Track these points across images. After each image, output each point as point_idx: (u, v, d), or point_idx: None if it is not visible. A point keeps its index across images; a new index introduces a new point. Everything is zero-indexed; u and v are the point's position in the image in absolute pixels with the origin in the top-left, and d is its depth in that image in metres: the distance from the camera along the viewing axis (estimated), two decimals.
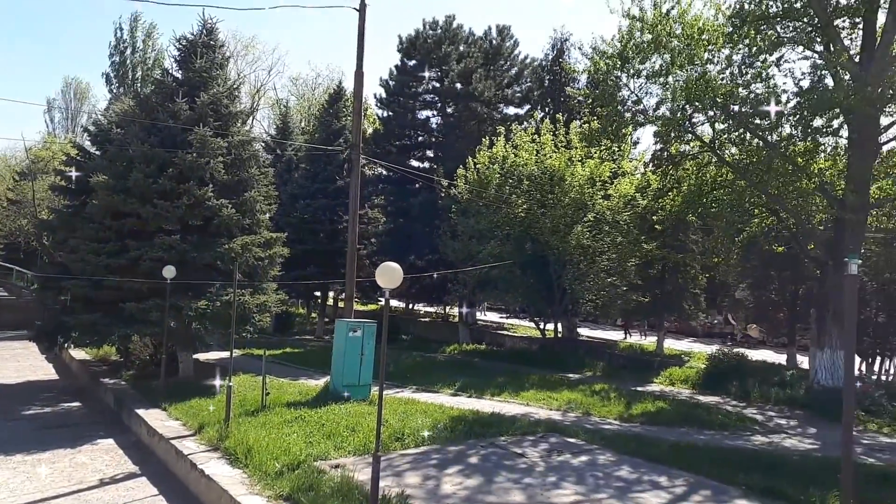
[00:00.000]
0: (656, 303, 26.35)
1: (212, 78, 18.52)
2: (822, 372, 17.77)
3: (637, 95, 19.35)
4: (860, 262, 7.03)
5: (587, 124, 21.83)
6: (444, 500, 8.57)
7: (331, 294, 37.80)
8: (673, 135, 19.58)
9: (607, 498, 9.01)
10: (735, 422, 14.95)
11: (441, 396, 16.82)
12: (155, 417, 13.09)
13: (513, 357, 25.31)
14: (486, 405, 15.44)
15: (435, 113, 35.96)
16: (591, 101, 20.31)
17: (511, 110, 35.93)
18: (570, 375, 21.05)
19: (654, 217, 23.14)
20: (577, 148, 23.71)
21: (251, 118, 50.53)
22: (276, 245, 18.56)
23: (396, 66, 35.39)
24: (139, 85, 55.88)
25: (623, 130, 19.63)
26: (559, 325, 26.80)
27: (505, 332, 32.96)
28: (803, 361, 22.51)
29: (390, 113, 35.90)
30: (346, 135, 33.73)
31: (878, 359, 19.66)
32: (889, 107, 16.51)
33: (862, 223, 17.64)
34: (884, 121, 17.36)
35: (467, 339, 30.88)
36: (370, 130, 38.94)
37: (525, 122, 28.15)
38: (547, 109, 34.70)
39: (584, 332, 34.36)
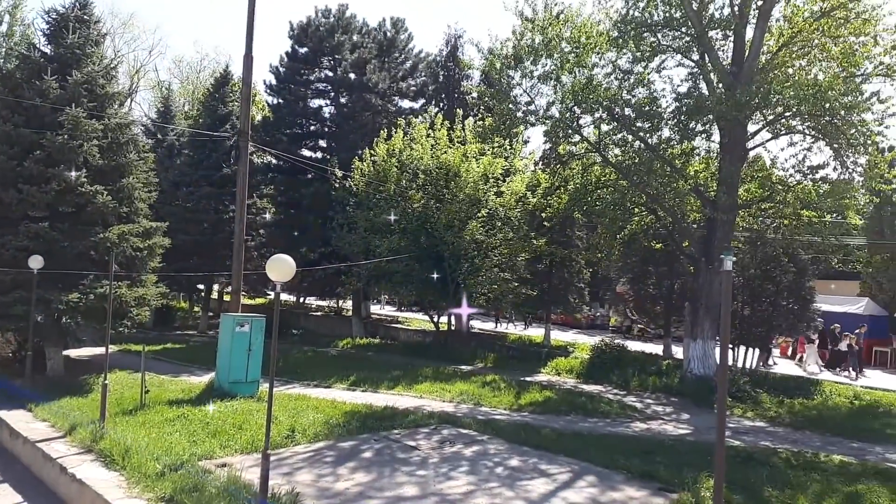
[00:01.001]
0: (544, 296, 27.21)
1: (86, 55, 17.21)
2: (695, 361, 19.00)
3: (529, 96, 19.85)
4: (735, 258, 7.53)
5: (481, 121, 22.16)
6: (337, 497, 8.43)
7: (216, 287, 36.36)
8: (561, 135, 20.23)
9: (498, 486, 9.19)
10: (616, 409, 15.70)
11: (334, 391, 16.58)
12: (18, 419, 12.04)
13: (407, 350, 25.35)
14: (380, 399, 15.36)
15: (328, 102, 35.23)
16: (485, 98, 20.63)
17: (406, 103, 35.81)
18: (463, 367, 21.35)
19: (543, 214, 23.86)
20: (471, 143, 24.01)
21: (130, 100, 47.49)
22: (156, 235, 17.56)
23: (287, 53, 34.33)
24: (2, 60, 51.13)
25: (515, 129, 20.08)
26: (452, 319, 27.09)
27: (399, 326, 32.91)
28: (678, 352, 23.96)
29: (281, 100, 34.79)
30: (234, 121, 32.39)
31: (743, 349, 21.24)
32: (756, 114, 17.81)
33: (731, 223, 19.00)
34: (751, 127, 18.76)
35: (361, 333, 30.59)
36: (259, 118, 37.61)
37: (420, 116, 28.15)
38: (441, 105, 34.92)
39: (475, 324, 34.94)
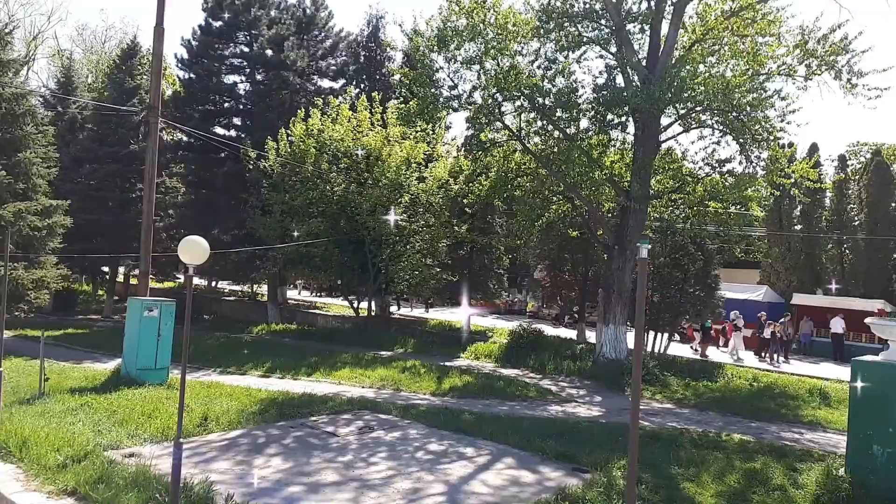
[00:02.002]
0: (464, 282, 27.43)
1: None
2: (607, 346, 19.64)
3: (453, 80, 19.80)
4: (650, 246, 7.77)
5: (404, 104, 21.98)
6: (254, 485, 8.20)
7: (121, 270, 34.72)
8: (484, 122, 20.32)
9: (418, 471, 9.19)
10: (533, 392, 16.04)
11: (248, 378, 16.16)
12: None
13: (325, 336, 24.98)
14: (298, 386, 15.09)
15: (243, 79, 34.05)
16: (408, 81, 20.44)
17: (326, 83, 35.08)
18: (383, 353, 21.25)
19: (465, 200, 23.99)
20: (394, 126, 23.79)
21: (27, 69, 44.26)
22: (56, 213, 16.56)
23: (201, 27, 32.88)
24: None
25: (438, 114, 19.99)
26: (373, 304, 26.92)
27: (317, 312, 32.42)
28: (591, 336, 24.74)
29: (193, 76, 33.33)
30: (142, 95, 30.88)
31: (653, 334, 22.15)
32: (669, 108, 18.46)
33: (644, 212, 19.68)
34: (664, 120, 19.43)
35: (277, 318, 29.93)
36: (170, 92, 35.90)
37: (341, 97, 27.61)
38: (363, 85, 34.38)
39: (395, 310, 34.87)
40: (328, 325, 28.62)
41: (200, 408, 11.64)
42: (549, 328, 28.24)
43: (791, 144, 23.10)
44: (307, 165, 23.32)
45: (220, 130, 33.17)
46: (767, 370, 21.88)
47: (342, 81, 34.79)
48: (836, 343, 25.99)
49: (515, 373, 19.12)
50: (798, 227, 30.53)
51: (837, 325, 25.90)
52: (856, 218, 29.48)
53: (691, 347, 25.70)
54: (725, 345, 26.41)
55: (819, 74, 17.88)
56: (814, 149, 31.38)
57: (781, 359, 24.49)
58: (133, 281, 32.70)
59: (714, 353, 24.80)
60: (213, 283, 41.68)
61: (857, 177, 30.68)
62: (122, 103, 28.99)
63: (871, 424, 8.69)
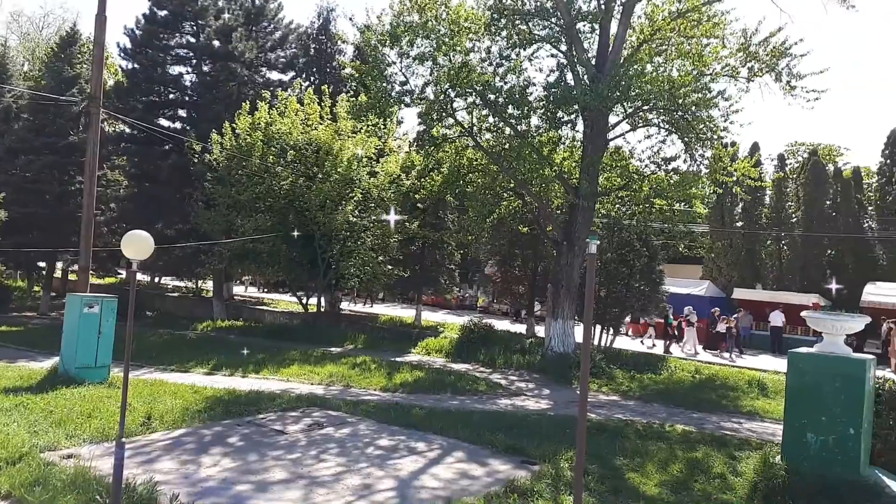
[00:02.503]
0: (416, 277, 27.42)
1: None
2: (556, 340, 19.92)
3: (405, 75, 19.74)
4: (598, 242, 7.92)
5: (354, 98, 21.79)
6: (200, 485, 8.02)
7: (59, 265, 33.50)
8: (436, 118, 20.32)
9: (368, 466, 9.15)
10: (483, 387, 16.15)
11: (193, 376, 15.79)
12: None
13: (273, 333, 24.59)
14: (245, 383, 14.81)
15: (189, 70, 33.18)
16: (359, 75, 20.27)
17: (275, 75, 34.54)
18: (333, 349, 21.07)
19: (417, 196, 23.95)
20: (344, 120, 23.54)
21: None
22: None
23: (145, 15, 31.89)
24: None
25: (390, 108, 19.89)
26: (322, 300, 26.64)
27: (265, 308, 31.90)
28: (540, 330, 25.04)
29: (136, 65, 32.31)
30: (82, 85, 29.81)
31: (600, 328, 22.57)
32: (617, 107, 18.81)
33: (592, 209, 20.01)
34: (612, 119, 19.81)
35: (223, 315, 29.32)
36: (112, 82, 34.74)
37: (290, 89, 27.17)
38: (313, 79, 33.96)
39: (346, 306, 34.61)
40: (276, 321, 28.19)
41: (143, 406, 11.34)
42: (506, 323, 28.57)
43: (734, 144, 23.81)
44: (254, 159, 22.86)
45: (164, 122, 32.30)
46: (722, 364, 22.28)
47: (291, 74, 34.30)
48: (776, 336, 26.90)
49: (466, 367, 19.22)
50: (739, 224, 31.55)
51: (777, 318, 26.81)
52: (793, 215, 30.64)
53: (642, 342, 26.18)
54: (680, 340, 26.73)
55: (760, 76, 18.48)
56: (755, 148, 32.45)
57: (735, 353, 24.93)
58: (72, 277, 31.61)
59: (672, 349, 25.08)
60: (157, 279, 40.56)
61: (794, 175, 31.88)
62: (60, 93, 27.93)
63: (805, 413, 9.04)
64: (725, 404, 15.66)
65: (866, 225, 29.98)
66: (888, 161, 29.09)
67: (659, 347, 25.20)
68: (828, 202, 29.50)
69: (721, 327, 25.48)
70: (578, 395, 15.48)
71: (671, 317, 24.77)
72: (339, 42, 33.21)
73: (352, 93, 23.98)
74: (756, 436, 12.42)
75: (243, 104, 24.66)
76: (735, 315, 25.99)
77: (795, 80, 17.99)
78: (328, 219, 22.44)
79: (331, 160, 22.79)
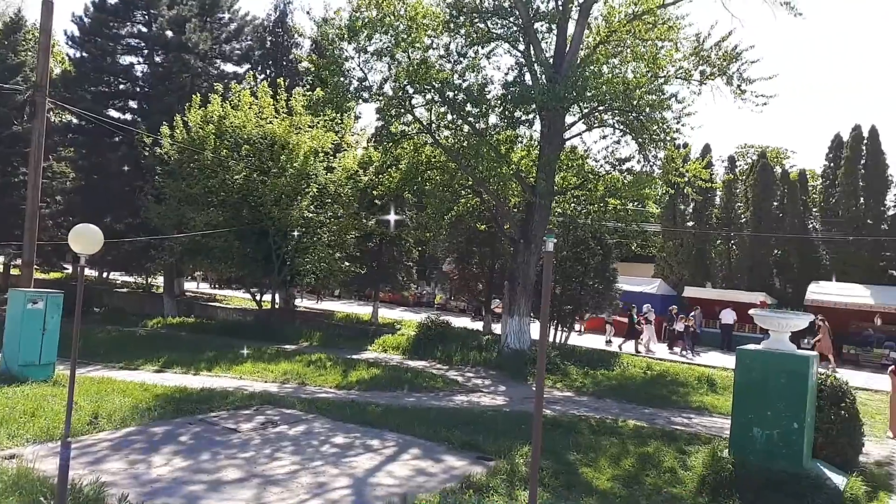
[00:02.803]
0: (373, 274, 27.27)
1: None
2: (512, 336, 20.08)
3: (363, 70, 19.60)
4: (556, 240, 8.02)
5: (310, 91, 21.52)
6: (150, 485, 7.83)
7: (1, 259, 32.28)
8: (394, 114, 20.25)
9: (323, 464, 9.08)
10: (440, 383, 16.18)
11: (143, 374, 15.44)
12: None
13: (226, 330, 24.18)
14: (196, 381, 14.53)
15: (141, 60, 32.31)
16: (316, 69, 20.04)
17: (230, 68, 33.85)
18: (288, 347, 20.82)
19: (375, 192, 23.81)
20: (300, 115, 23.23)
21: None
22: None
23: (94, 3, 30.90)
24: None
25: (347, 104, 19.74)
26: (277, 297, 26.29)
27: (217, 304, 31.31)
28: (497, 328, 25.18)
29: (85, 54, 31.30)
30: (27, 73, 28.79)
31: (555, 324, 22.85)
32: (573, 107, 19.03)
33: (549, 207, 20.21)
34: (569, 119, 20.04)
35: (174, 311, 28.68)
36: (58, 71, 33.58)
37: (245, 82, 26.67)
38: (269, 72, 33.43)
39: (303, 302, 34.23)
40: (229, 318, 27.71)
41: (90, 405, 11.01)
42: (465, 320, 28.64)
43: (686, 145, 24.32)
44: (206, 153, 22.35)
45: (114, 113, 31.39)
46: (673, 361, 22.61)
47: (247, 66, 33.66)
48: (726, 333, 27.58)
49: (423, 364, 19.22)
50: (690, 224, 32.28)
51: (728, 316, 27.51)
52: (742, 216, 31.48)
53: (606, 340, 26.33)
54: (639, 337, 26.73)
55: (712, 79, 18.92)
56: (706, 150, 33.23)
57: (690, 352, 24.94)
58: (15, 271, 30.47)
59: (629, 347, 25.20)
60: (105, 274, 39.41)
61: (744, 177, 32.77)
62: (4, 81, 26.93)
63: (752, 408, 9.31)
64: (676, 400, 16.01)
65: (811, 226, 31.02)
66: (832, 164, 30.14)
67: (616, 345, 25.45)
68: (775, 203, 30.40)
69: (679, 326, 25.77)
70: (534, 392, 15.65)
71: (636, 316, 25.08)
72: (296, 35, 32.78)
73: (309, 86, 23.69)
74: (705, 430, 12.74)
75: (194, 97, 24.08)
76: (692, 314, 26.47)
77: (746, 85, 18.49)
78: (283, 214, 22.10)
79: (286, 154, 22.43)
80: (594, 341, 26.15)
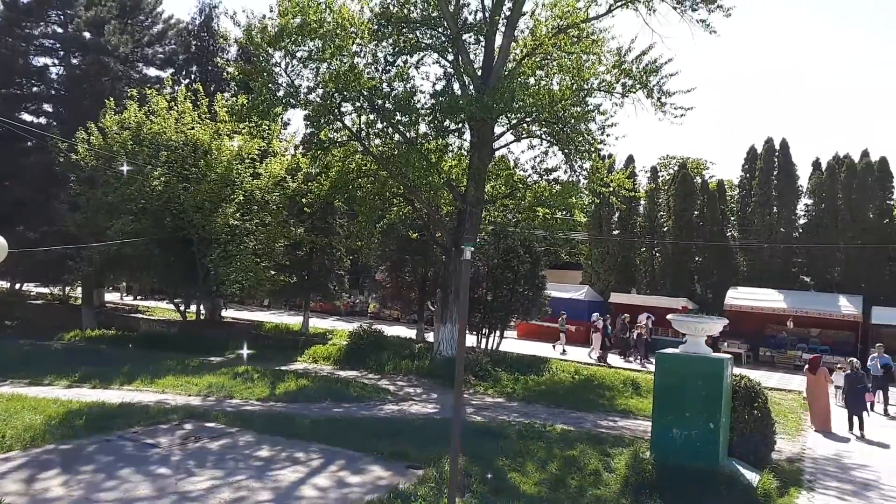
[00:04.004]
0: (303, 283, 26.82)
1: None
2: (444, 344, 20.12)
3: (290, 77, 19.32)
4: (473, 248, 8.11)
5: (234, 97, 21.07)
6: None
7: None
8: (323, 121, 20.04)
9: (245, 479, 8.84)
10: (371, 393, 16.03)
11: (57, 389, 14.71)
12: None
13: (149, 342, 23.28)
14: (115, 396, 13.93)
15: (56, 62, 30.95)
16: (239, 74, 19.65)
17: (153, 72, 32.83)
18: (213, 359, 20.23)
19: (304, 199, 23.46)
20: (224, 120, 22.66)
21: None
22: None
23: (4, 2, 29.43)
24: None
25: (274, 110, 19.41)
26: (202, 307, 25.50)
27: (140, 316, 30.13)
28: (430, 335, 25.17)
29: None
30: None
31: (487, 331, 23.04)
32: (502, 117, 19.29)
33: (479, 216, 20.40)
34: (498, 129, 20.29)
35: (93, 324, 27.44)
36: None
37: (168, 87, 25.86)
38: (193, 76, 32.52)
39: (231, 313, 33.34)
40: (153, 330, 26.71)
41: None
42: (400, 328, 28.48)
43: (611, 156, 25.10)
44: (122, 159, 21.47)
45: (27, 117, 29.97)
46: (635, 370, 22.76)
47: (171, 70, 32.69)
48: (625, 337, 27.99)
49: (354, 374, 19.02)
50: (616, 232, 33.18)
51: (647, 320, 28.20)
52: (664, 224, 32.59)
53: (554, 347, 26.53)
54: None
55: (634, 92, 19.49)
56: (630, 160, 34.28)
57: (643, 360, 24.85)
58: None
59: (580, 354, 25.34)
60: (18, 285, 37.33)
61: (666, 187, 33.91)
62: None
63: (671, 410, 9.63)
64: (602, 403, 16.40)
65: (729, 234, 32.40)
66: (747, 175, 31.59)
67: (571, 354, 25.54)
68: (695, 212, 31.61)
69: (633, 334, 25.86)
70: (465, 399, 15.76)
71: (609, 326, 25.22)
72: (221, 40, 32.09)
73: (235, 92, 23.16)
74: (629, 432, 13.09)
75: (107, 101, 23.13)
76: (643, 322, 26.83)
77: (665, 97, 19.15)
78: (206, 221, 21.45)
79: (208, 160, 21.81)
80: (529, 348, 26.32)
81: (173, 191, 21.45)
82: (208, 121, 23.03)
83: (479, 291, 22.59)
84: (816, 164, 30.32)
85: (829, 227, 28.34)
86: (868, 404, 15.64)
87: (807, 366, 16.22)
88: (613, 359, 25.34)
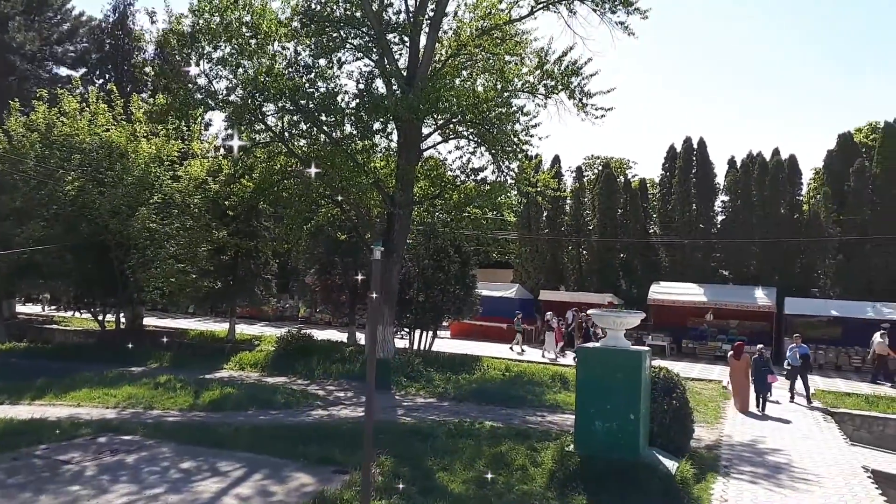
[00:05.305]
0: (228, 289, 26.07)
1: None
2: (376, 346, 19.94)
3: (208, 77, 18.78)
4: (382, 248, 8.09)
5: (153, 98, 20.30)
6: None
7: None
8: (244, 123, 19.56)
9: (164, 492, 8.54)
10: (299, 399, 15.76)
11: None
12: None
13: (64, 354, 22.25)
14: (25, 411, 13.24)
15: None
16: (154, 73, 18.97)
17: (64, 71, 31.32)
18: (134, 369, 19.47)
19: (227, 202, 22.83)
20: (142, 122, 21.80)
21: None
22: None
23: None
24: None
25: (193, 111, 18.83)
26: (122, 316, 24.46)
27: (55, 327, 28.69)
28: (362, 338, 24.92)
29: None
30: None
31: (419, 332, 23.01)
32: (428, 118, 19.31)
33: (408, 217, 20.35)
34: (425, 130, 20.29)
35: (3, 336, 25.96)
36: None
37: (79, 87, 24.66)
38: (108, 76, 31.19)
39: (153, 321, 32.14)
40: (69, 341, 25.51)
41: None
42: (332, 332, 28.09)
43: (537, 156, 25.42)
44: (29, 162, 20.34)
45: None
46: (531, 362, 23.02)
47: (83, 70, 31.26)
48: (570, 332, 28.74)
49: (283, 380, 18.65)
50: (545, 231, 33.75)
51: (572, 316, 28.88)
52: (590, 223, 33.36)
53: (511, 349, 26.53)
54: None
55: (557, 93, 19.84)
56: (556, 160, 34.96)
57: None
58: None
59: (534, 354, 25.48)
60: None
61: (591, 186, 34.72)
62: None
63: (593, 403, 9.86)
64: (531, 399, 16.60)
65: (651, 231, 33.44)
66: (668, 174, 32.68)
67: (528, 354, 25.60)
68: (619, 211, 32.49)
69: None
70: (397, 400, 15.66)
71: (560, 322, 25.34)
72: (137, 40, 30.95)
73: (150, 93, 22.34)
74: (557, 427, 13.32)
75: (12, 102, 21.89)
76: (569, 318, 27.20)
77: (587, 98, 19.55)
78: (124, 226, 20.54)
79: (125, 163, 20.93)
80: (464, 347, 26.26)
81: (88, 195, 20.49)
82: (124, 122, 22.10)
83: (410, 292, 22.54)
84: (732, 163, 31.63)
85: (744, 222, 29.60)
86: (770, 385, 16.73)
87: (731, 352, 17.49)
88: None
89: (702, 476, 10.19)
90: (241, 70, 18.26)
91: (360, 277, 25.74)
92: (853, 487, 10.17)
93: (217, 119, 38.75)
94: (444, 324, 27.54)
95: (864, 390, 19.49)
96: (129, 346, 22.32)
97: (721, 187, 31.57)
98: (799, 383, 17.81)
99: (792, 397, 17.73)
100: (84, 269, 21.26)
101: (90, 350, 22.70)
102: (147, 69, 20.33)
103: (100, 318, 24.22)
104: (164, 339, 23.96)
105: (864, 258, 27.08)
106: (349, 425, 12.92)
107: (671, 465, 9.86)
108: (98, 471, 9.37)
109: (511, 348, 26.56)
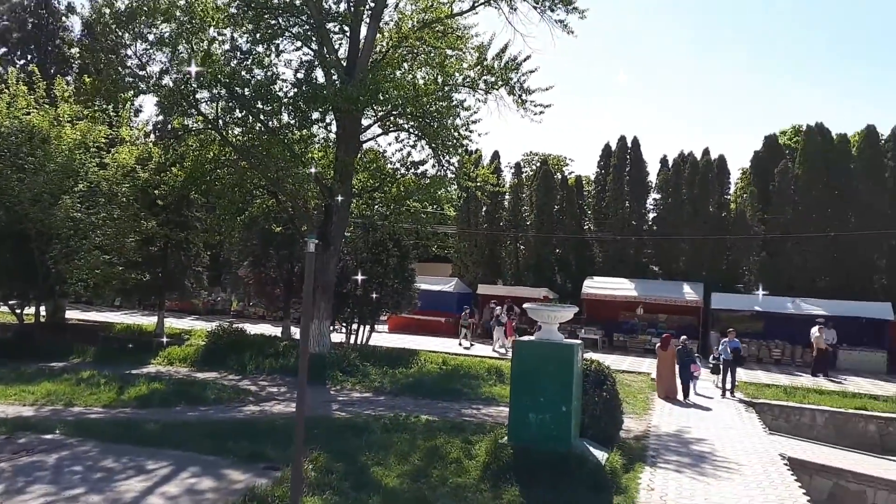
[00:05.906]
0: (157, 281, 25.18)
1: None
2: (312, 341, 19.68)
3: (141, 60, 18.07)
4: (317, 241, 7.98)
5: (78, 80, 19.37)
6: None
7: None
8: (176, 108, 18.91)
9: (84, 493, 8.20)
10: (230, 394, 15.36)
11: None
12: None
13: None
14: None
15: None
16: (87, 56, 18.12)
17: None
18: (54, 364, 18.57)
19: (157, 191, 22.04)
20: (65, 106, 20.77)
21: None
22: None
23: None
24: None
25: (122, 95, 18.09)
26: (42, 309, 23.29)
27: None
28: (297, 333, 24.53)
29: None
30: None
31: (356, 326, 22.82)
32: (368, 110, 19.12)
33: (347, 209, 20.12)
34: (365, 121, 20.09)
35: None
36: None
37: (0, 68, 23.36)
38: (31, 57, 29.60)
39: (76, 314, 30.82)
40: None
41: None
42: (266, 326, 27.49)
43: (477, 151, 25.58)
44: None
45: None
46: (467, 355, 23.22)
47: (3, 50, 29.56)
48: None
49: (214, 375, 18.15)
50: (484, 226, 34.03)
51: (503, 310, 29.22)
52: (528, 218, 33.83)
53: (460, 343, 26.38)
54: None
55: (497, 89, 20.00)
56: (495, 156, 35.26)
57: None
58: None
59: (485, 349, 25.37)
60: None
61: (529, 182, 35.19)
62: None
63: (527, 396, 9.99)
64: (468, 392, 16.70)
65: (586, 227, 34.15)
66: (602, 171, 33.45)
67: (477, 349, 25.51)
68: (556, 207, 33.05)
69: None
70: (332, 395, 15.50)
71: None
72: (63, 18, 29.47)
73: (75, 75, 21.32)
74: (491, 419, 13.44)
75: None
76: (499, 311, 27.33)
77: (526, 95, 19.80)
78: (46, 215, 19.53)
79: (47, 148, 19.91)
80: (402, 341, 26.23)
81: (6, 181, 19.39)
82: (47, 106, 21.00)
83: (347, 286, 22.31)
84: (664, 162, 32.58)
85: (675, 220, 30.57)
86: (693, 374, 17.68)
87: (658, 343, 18.63)
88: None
89: (630, 466, 10.48)
90: (176, 53, 17.63)
91: (295, 270, 25.43)
92: (770, 474, 10.65)
93: (148, 105, 37.35)
94: (383, 318, 27.44)
95: (782, 381, 20.46)
96: (50, 340, 21.28)
97: (653, 185, 32.47)
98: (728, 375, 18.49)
99: (723, 392, 18.15)
100: (1, 258, 20.14)
101: (6, 345, 21.48)
102: (73, 49, 19.39)
103: (17, 311, 23.00)
104: (99, 334, 22.89)
105: (785, 256, 28.38)
106: (282, 421, 12.69)
107: (601, 455, 10.10)
108: (14, 472, 8.92)
109: (460, 343, 26.68)
